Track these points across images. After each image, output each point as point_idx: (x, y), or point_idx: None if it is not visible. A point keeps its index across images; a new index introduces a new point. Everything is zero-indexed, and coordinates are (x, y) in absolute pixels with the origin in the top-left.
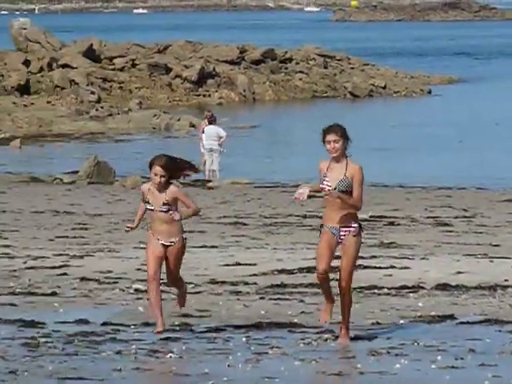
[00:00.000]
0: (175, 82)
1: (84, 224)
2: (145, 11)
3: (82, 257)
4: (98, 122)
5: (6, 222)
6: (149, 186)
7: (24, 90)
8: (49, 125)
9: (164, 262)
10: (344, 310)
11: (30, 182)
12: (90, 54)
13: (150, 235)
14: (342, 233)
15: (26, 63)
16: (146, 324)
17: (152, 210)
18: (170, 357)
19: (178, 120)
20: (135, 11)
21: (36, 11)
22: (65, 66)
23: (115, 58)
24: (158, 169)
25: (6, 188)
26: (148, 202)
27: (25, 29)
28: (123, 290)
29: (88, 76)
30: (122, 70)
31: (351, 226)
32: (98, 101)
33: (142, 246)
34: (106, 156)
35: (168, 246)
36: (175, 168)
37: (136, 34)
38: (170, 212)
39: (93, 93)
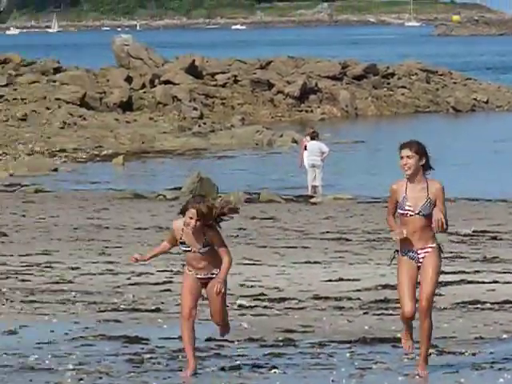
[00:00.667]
0: (277, 97)
1: None
2: (243, 27)
3: None
4: (200, 138)
5: (110, 238)
6: (181, 226)
7: (126, 106)
8: (151, 141)
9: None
10: (423, 336)
11: (133, 198)
12: (193, 70)
13: (185, 271)
14: (420, 255)
15: (129, 80)
16: (250, 339)
17: (189, 251)
18: (274, 372)
19: (281, 136)
20: (234, 27)
21: (138, 27)
22: (167, 82)
23: (217, 74)
24: (192, 212)
25: (108, 204)
26: (183, 243)
27: (127, 45)
28: (227, 306)
29: (190, 92)
30: (224, 86)
31: (430, 247)
32: (201, 117)
33: (245, 261)
34: (208, 172)
35: (208, 278)
36: (211, 214)
37: (236, 50)
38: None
39: (195, 109)
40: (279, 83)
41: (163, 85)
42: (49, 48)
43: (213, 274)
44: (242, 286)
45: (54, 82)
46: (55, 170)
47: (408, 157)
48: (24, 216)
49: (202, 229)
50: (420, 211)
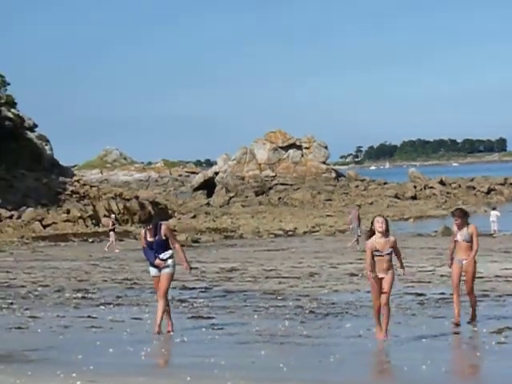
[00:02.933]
0: (476, 192)
1: None
2: (457, 164)
3: None
4: (446, 209)
5: None
6: (374, 239)
7: (414, 197)
8: (426, 212)
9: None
10: (471, 307)
11: (417, 236)
12: (441, 182)
13: (370, 276)
14: (464, 262)
15: (414, 189)
16: None
17: (381, 255)
18: None
19: None
20: (453, 164)
21: (417, 165)
22: (431, 187)
23: (453, 183)
24: (378, 219)
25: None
26: (377, 251)
27: (413, 172)
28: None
29: (440, 191)
30: (455, 188)
31: (467, 258)
32: (445, 201)
33: None
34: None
35: (383, 278)
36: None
37: (461, 174)
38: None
39: (442, 198)
40: (478, 186)
41: (429, 189)
42: (386, 175)
43: (386, 275)
44: None
45: (383, 188)
46: None
47: (457, 221)
48: None
49: (388, 235)
50: (464, 239)
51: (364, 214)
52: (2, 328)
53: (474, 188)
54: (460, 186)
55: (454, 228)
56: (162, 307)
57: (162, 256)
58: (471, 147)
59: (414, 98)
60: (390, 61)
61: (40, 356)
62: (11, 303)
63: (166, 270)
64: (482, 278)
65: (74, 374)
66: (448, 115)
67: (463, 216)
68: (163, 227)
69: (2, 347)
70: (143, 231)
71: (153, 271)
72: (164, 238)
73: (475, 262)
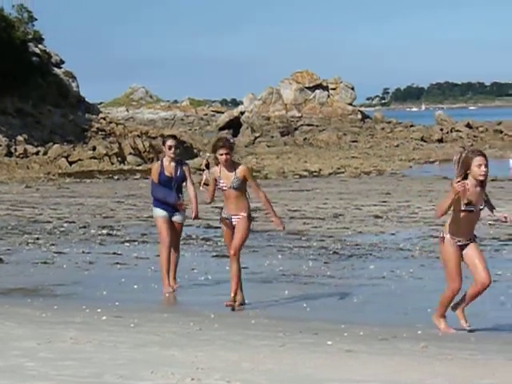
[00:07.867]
0: (503, 136)
1: None
2: (474, 108)
3: None
4: None
5: None
6: (467, 184)
7: (440, 140)
8: (453, 155)
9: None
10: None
11: (442, 179)
12: (468, 125)
13: (447, 241)
14: (233, 218)
15: (441, 132)
16: None
17: (471, 211)
18: None
19: None
20: (470, 108)
21: (444, 108)
22: (457, 130)
23: (480, 126)
24: (481, 159)
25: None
26: (469, 204)
27: (440, 115)
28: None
29: (467, 135)
30: (482, 132)
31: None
32: (471, 145)
33: None
34: None
35: (466, 244)
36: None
37: (488, 117)
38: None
39: (469, 141)
40: None
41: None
42: (413, 117)
43: (470, 239)
44: None
45: (409, 131)
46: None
47: (222, 155)
48: None
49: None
50: (231, 186)
51: (389, 157)
52: (29, 262)
53: (501, 132)
54: (487, 130)
55: (215, 169)
56: (176, 259)
57: (181, 196)
58: (499, 90)
59: (443, 40)
60: (420, 3)
61: (66, 291)
62: (37, 238)
63: (181, 217)
64: None
65: (99, 310)
66: (477, 58)
67: (231, 148)
68: (185, 166)
69: (29, 281)
70: (157, 163)
71: (161, 213)
72: (184, 175)
73: (250, 219)
